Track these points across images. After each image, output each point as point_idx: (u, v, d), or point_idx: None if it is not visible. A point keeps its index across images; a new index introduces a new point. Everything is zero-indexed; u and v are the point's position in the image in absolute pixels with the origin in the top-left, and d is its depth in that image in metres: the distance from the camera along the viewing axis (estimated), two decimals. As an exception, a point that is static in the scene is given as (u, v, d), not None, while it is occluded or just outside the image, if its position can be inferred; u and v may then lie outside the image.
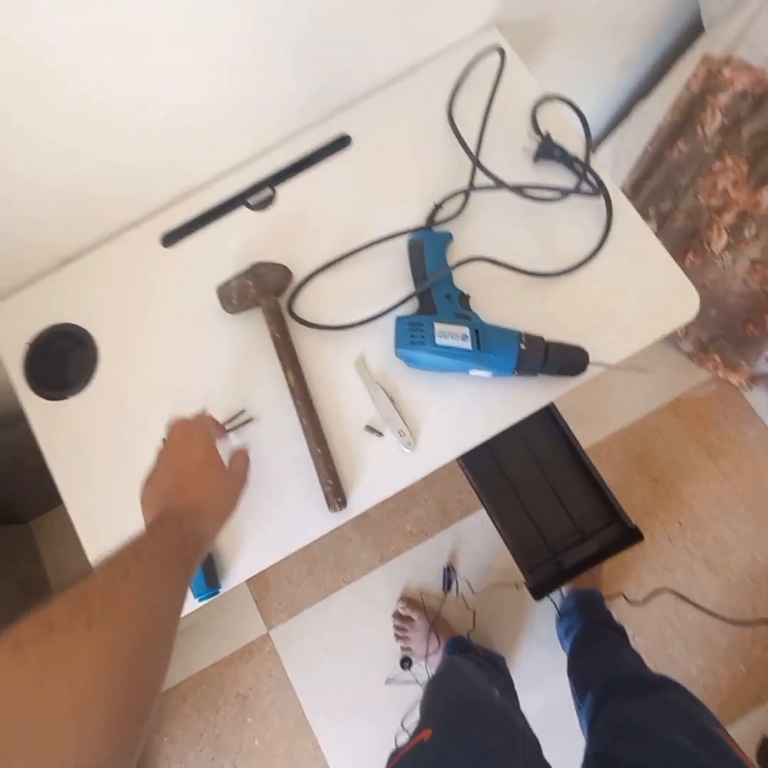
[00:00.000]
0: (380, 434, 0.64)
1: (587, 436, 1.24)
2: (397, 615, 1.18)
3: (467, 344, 0.59)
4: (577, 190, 0.64)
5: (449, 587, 1.14)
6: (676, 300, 0.66)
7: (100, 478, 0.65)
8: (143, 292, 0.69)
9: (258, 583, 1.23)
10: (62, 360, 0.69)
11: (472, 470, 0.65)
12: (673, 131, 1.01)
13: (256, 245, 0.69)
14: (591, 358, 0.61)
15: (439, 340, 0.59)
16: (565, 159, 0.67)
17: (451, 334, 0.60)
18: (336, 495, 0.61)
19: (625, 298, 0.65)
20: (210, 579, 0.59)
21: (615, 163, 1.14)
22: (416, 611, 1.15)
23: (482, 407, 0.64)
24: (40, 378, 0.68)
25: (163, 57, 0.54)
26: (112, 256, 0.70)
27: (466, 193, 0.66)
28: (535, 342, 0.59)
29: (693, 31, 0.93)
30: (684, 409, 1.28)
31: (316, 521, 0.63)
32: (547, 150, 0.67)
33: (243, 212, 0.71)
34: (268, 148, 0.71)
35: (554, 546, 0.65)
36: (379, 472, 0.64)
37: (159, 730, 1.13)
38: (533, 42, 0.80)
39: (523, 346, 0.59)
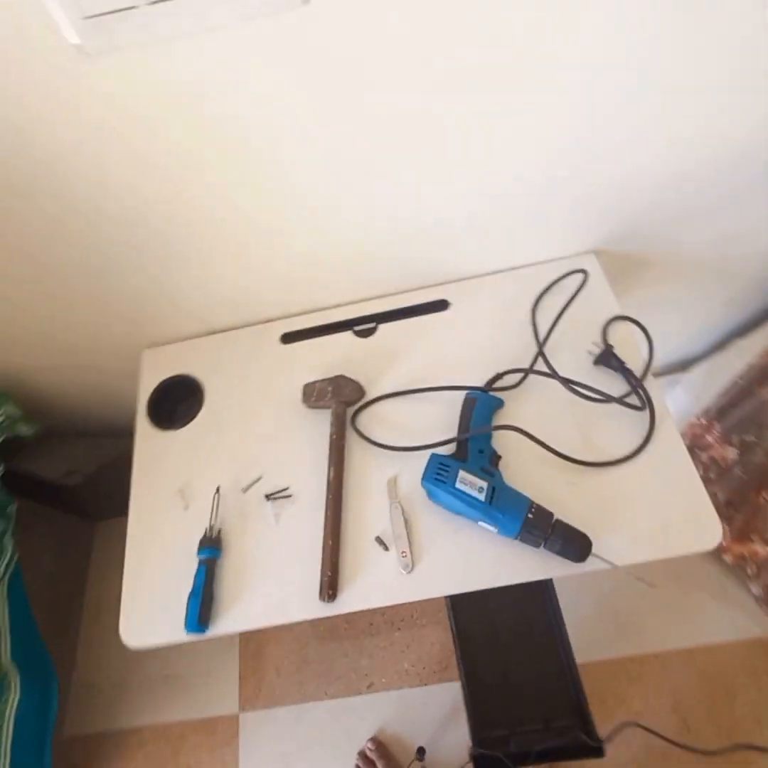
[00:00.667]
0: (386, 548, 0.71)
1: (623, 646, 1.16)
2: (362, 754, 1.12)
3: (482, 496, 0.67)
4: (620, 401, 0.72)
5: (421, 759, 1.06)
6: (699, 527, 0.68)
7: (159, 507, 0.79)
8: (252, 370, 0.88)
9: (249, 660, 1.25)
10: (176, 401, 0.88)
11: (456, 616, 0.68)
12: (765, 372, 1.05)
13: (347, 362, 0.85)
14: (594, 551, 0.64)
15: (458, 485, 0.68)
16: (622, 370, 0.76)
17: (470, 483, 0.68)
18: (330, 587, 0.68)
19: (647, 508, 0.69)
20: (203, 617, 0.68)
21: (705, 384, 1.19)
22: (382, 760, 1.09)
23: (482, 559, 0.69)
24: (156, 408, 0.87)
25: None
26: (243, 337, 0.91)
27: (525, 372, 0.78)
28: (543, 514, 0.65)
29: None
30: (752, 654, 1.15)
31: (305, 605, 0.70)
32: (607, 358, 0.77)
33: (348, 335, 0.89)
34: (384, 294, 0.90)
35: (513, 725, 0.63)
36: (374, 583, 0.70)
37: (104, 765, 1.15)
38: (630, 270, 0.94)
39: (531, 515, 0.65)
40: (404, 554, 0.70)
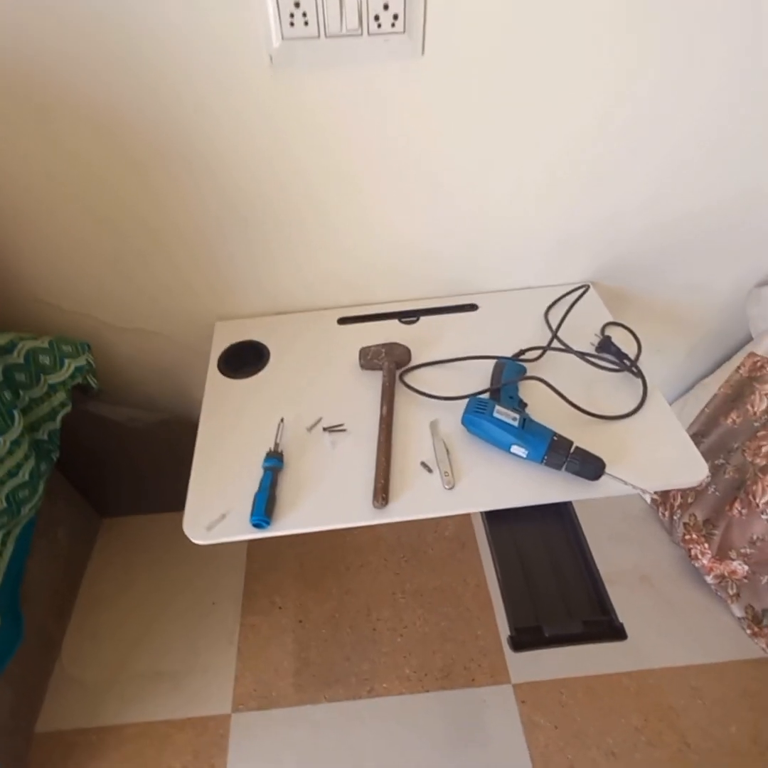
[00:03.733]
0: (430, 470, 0.83)
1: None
2: None
3: (515, 423, 0.81)
4: (626, 367, 0.91)
5: None
6: (688, 468, 0.82)
7: (226, 432, 0.90)
8: (312, 340, 1.04)
9: (247, 659, 1.22)
10: (244, 361, 1.02)
11: (493, 534, 0.79)
12: (727, 402, 1.27)
13: (394, 340, 1.02)
14: (607, 471, 0.78)
15: (496, 414, 0.82)
16: (619, 354, 0.95)
17: (505, 414, 0.82)
18: (383, 491, 0.78)
19: (645, 453, 0.84)
20: (269, 509, 0.76)
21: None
22: None
23: (513, 481, 0.81)
24: (225, 363, 1.01)
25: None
26: (304, 319, 1.09)
27: (544, 349, 0.96)
28: (564, 440, 0.79)
29: (746, 337, 1.27)
30: (730, 679, 1.19)
31: (360, 511, 0.79)
32: (607, 346, 0.97)
33: (394, 322, 1.07)
34: (430, 295, 1.11)
35: (543, 616, 0.71)
36: (420, 497, 0.80)
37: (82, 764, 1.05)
38: (617, 302, 1.18)
39: (555, 438, 0.79)
40: (446, 474, 0.81)
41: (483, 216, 0.98)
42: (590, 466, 0.78)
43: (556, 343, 0.97)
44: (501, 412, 0.83)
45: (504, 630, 1.24)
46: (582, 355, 0.93)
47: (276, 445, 0.85)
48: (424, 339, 1.04)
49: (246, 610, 1.29)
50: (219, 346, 1.04)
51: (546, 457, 0.79)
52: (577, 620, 0.70)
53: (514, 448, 0.81)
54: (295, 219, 0.94)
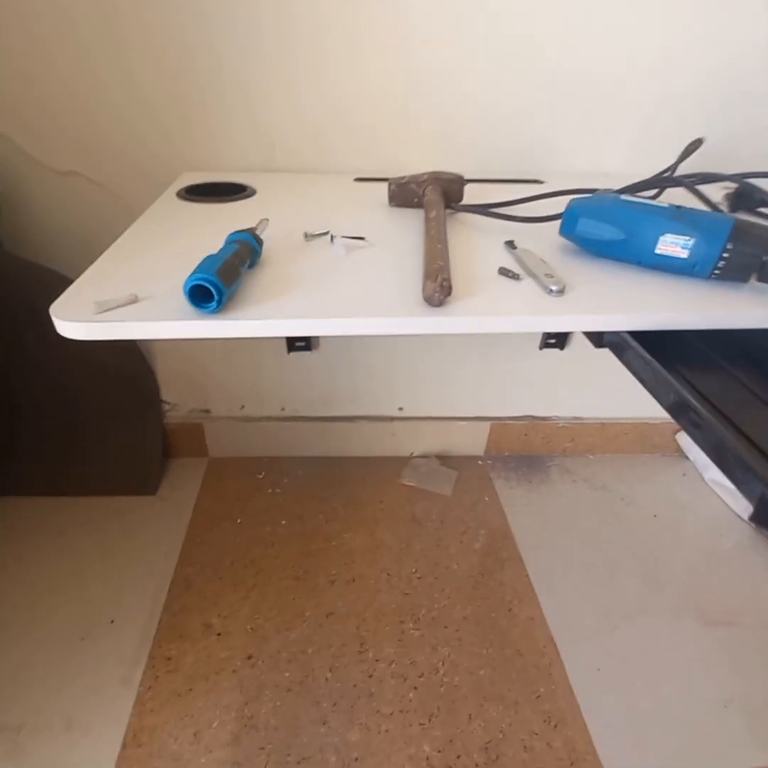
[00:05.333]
0: (516, 277, 0.47)
1: None
2: None
3: (664, 205, 0.48)
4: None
5: None
6: None
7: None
8: (318, 189, 0.73)
9: (151, 712, 0.70)
10: (217, 192, 0.69)
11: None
12: None
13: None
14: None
15: (624, 197, 0.50)
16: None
17: (640, 200, 0.50)
18: (442, 274, 0.42)
19: None
20: (224, 278, 0.39)
21: None
22: None
23: (661, 297, 0.46)
24: (188, 192, 0.68)
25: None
26: (314, 178, 0.78)
27: (662, 185, 0.66)
28: (759, 228, 0.46)
29: None
30: None
31: (396, 306, 0.42)
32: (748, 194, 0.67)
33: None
34: (479, 171, 0.83)
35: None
36: (504, 300, 0.44)
37: None
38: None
39: (737, 224, 0.46)
40: (550, 276, 0.46)
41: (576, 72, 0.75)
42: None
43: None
44: (632, 198, 0.50)
45: (579, 680, 0.77)
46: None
47: (253, 231, 0.50)
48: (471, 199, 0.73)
49: (162, 634, 0.80)
50: (179, 185, 0.72)
51: (725, 254, 0.45)
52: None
53: (667, 245, 0.47)
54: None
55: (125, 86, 0.74)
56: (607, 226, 0.50)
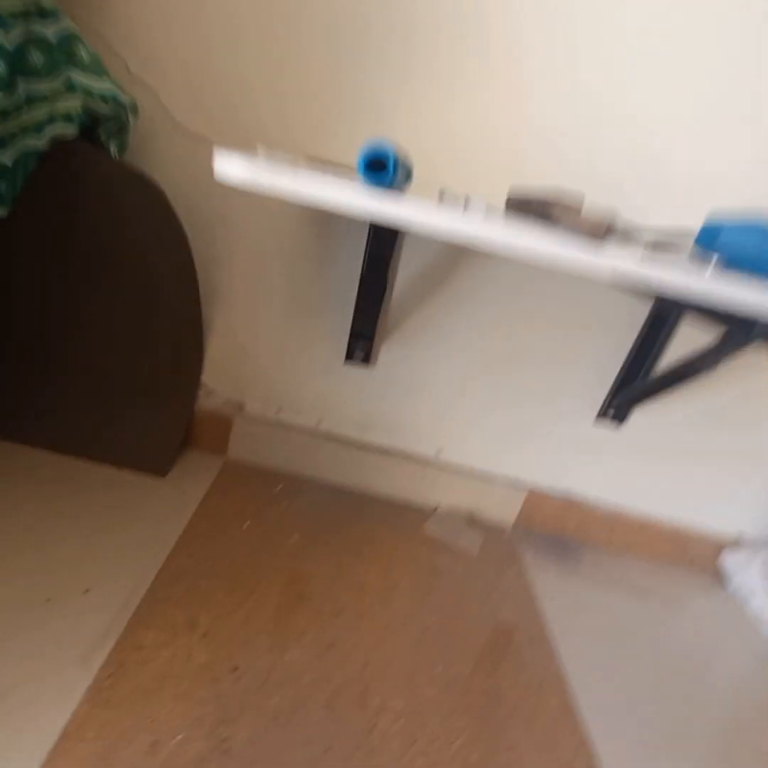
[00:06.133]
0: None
1: None
2: None
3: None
4: None
5: None
6: None
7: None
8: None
9: (91, 723, 0.56)
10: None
11: None
12: None
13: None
14: None
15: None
16: None
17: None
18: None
19: None
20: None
21: None
22: None
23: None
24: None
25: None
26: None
27: None
28: None
29: None
30: None
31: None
32: None
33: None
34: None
35: None
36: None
37: None
38: None
39: None
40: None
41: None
42: None
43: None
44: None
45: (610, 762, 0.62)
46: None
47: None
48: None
49: (139, 618, 0.66)
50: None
51: None
52: None
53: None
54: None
55: (290, 82, 0.80)
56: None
